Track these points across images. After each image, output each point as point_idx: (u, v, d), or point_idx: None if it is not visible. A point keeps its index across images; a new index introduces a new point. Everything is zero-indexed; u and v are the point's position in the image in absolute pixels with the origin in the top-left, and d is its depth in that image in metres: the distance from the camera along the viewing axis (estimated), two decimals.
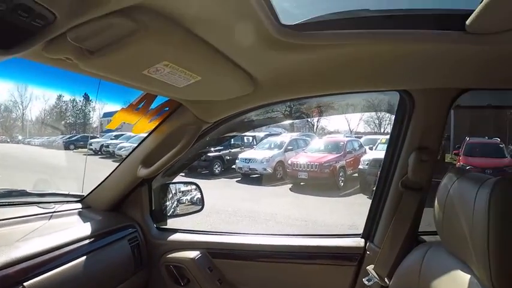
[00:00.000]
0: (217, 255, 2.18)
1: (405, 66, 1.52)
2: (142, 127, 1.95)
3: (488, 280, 1.12)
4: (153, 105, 1.86)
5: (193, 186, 2.46)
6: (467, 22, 1.18)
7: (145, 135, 2.10)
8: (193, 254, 2.14)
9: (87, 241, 1.80)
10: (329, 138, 15.68)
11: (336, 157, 12.45)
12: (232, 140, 14.77)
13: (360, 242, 2.01)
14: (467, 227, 1.19)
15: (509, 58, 1.38)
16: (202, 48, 1.20)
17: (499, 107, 9.91)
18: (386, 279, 1.77)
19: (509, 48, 1.30)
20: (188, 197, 2.44)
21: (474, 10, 1.13)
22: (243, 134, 15.41)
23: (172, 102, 1.90)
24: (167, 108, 1.96)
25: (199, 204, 2.43)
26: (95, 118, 26.32)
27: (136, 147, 2.15)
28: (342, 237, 2.11)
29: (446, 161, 13.76)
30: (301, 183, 12.21)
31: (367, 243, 1.99)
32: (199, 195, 2.43)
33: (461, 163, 10.96)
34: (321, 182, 11.85)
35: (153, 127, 2.04)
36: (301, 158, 12.62)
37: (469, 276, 1.25)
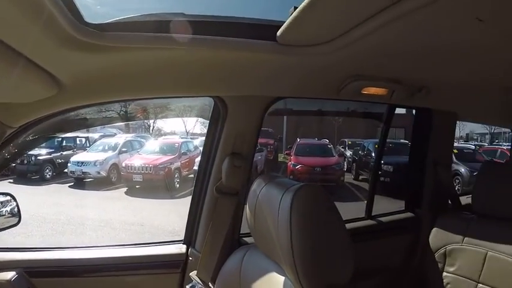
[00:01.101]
0: (38, 274, 1.91)
1: (219, 73, 1.53)
2: None
3: (297, 280, 1.14)
4: None
5: (8, 197, 2.06)
6: (278, 33, 1.24)
7: None
8: (8, 275, 1.84)
9: None
10: (164, 140, 15.41)
11: (170, 159, 12.27)
12: (64, 141, 13.68)
13: (182, 248, 1.96)
14: (275, 230, 1.20)
15: (318, 70, 1.51)
16: None
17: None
18: (210, 284, 1.77)
19: (317, 61, 1.39)
20: (2, 210, 2.06)
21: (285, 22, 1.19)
22: (75, 135, 14.43)
23: None
24: None
25: (15, 216, 2.04)
26: None
27: None
28: (165, 244, 2.04)
29: (279, 160, 14.67)
30: (137, 186, 11.81)
31: (189, 249, 1.94)
32: (15, 207, 2.06)
33: (293, 162, 11.72)
34: (157, 184, 11.64)
35: None
36: (136, 160, 12.20)
37: (283, 278, 1.25)
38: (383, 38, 1.20)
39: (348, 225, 2.20)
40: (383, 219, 2.31)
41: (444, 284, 2.07)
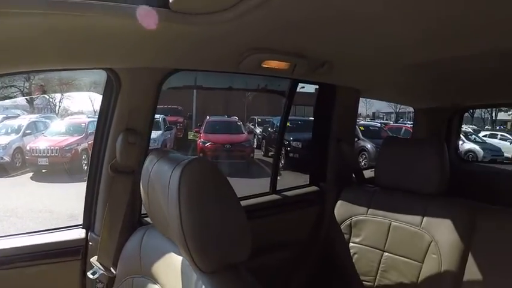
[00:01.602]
0: None
1: (108, 42, 1.39)
2: None
3: (191, 261, 1.09)
4: None
5: None
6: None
7: None
8: None
9: None
10: (70, 120, 14.53)
11: (77, 139, 11.51)
12: None
13: (81, 233, 1.84)
14: (166, 208, 1.14)
15: (215, 40, 1.42)
16: None
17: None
18: (112, 269, 1.67)
19: (214, 31, 1.31)
20: None
21: None
22: None
23: None
24: None
25: None
26: None
27: None
28: (63, 230, 1.89)
29: (189, 138, 14.51)
30: (43, 170, 10.97)
31: (89, 233, 1.84)
32: None
33: (202, 140, 11.66)
34: (64, 167, 10.87)
35: None
36: (41, 143, 11.29)
37: (181, 258, 1.20)
38: (280, 7, 1.16)
39: (253, 201, 2.21)
40: (288, 193, 2.34)
41: (351, 254, 2.16)
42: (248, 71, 1.85)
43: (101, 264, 1.70)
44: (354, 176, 2.53)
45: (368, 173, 2.59)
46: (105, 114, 1.78)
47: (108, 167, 1.73)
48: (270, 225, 2.16)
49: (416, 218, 2.01)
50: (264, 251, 2.10)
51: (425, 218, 1.99)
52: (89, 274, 1.70)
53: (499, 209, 1.96)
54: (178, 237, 1.09)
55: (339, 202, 2.27)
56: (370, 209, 2.15)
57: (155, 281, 1.28)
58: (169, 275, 1.22)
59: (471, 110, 18.33)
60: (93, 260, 1.72)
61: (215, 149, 11.24)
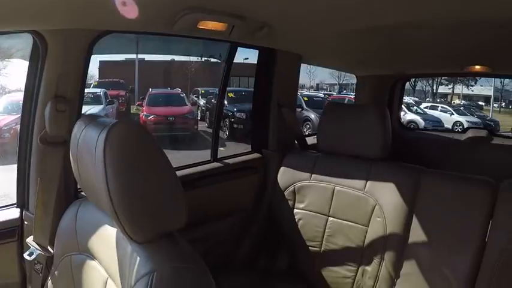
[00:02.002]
0: None
1: (32, 1, 1.27)
2: None
3: (123, 231, 1.02)
4: None
5: None
6: None
7: None
8: None
9: None
10: (8, 98, 13.73)
11: (16, 118, 10.90)
12: None
13: (15, 212, 1.72)
14: (95, 176, 1.06)
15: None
16: None
17: None
18: (49, 248, 1.55)
19: None
20: None
21: None
22: None
23: None
24: None
25: None
26: None
27: None
28: None
29: (132, 112, 14.12)
30: None
31: (23, 212, 1.71)
32: None
33: (145, 113, 11.41)
34: (3, 148, 10.13)
35: None
36: None
37: (115, 229, 1.14)
38: None
39: (193, 169, 2.13)
40: (230, 161, 2.28)
41: (296, 220, 2.14)
42: (183, 33, 1.76)
43: (37, 243, 1.59)
44: (296, 142, 2.50)
45: (311, 140, 2.58)
46: (32, 81, 1.65)
47: (38, 138, 1.61)
48: (213, 195, 2.11)
49: (360, 182, 2.02)
50: (208, 220, 2.06)
51: (368, 182, 2.00)
52: (26, 255, 1.59)
53: (441, 172, 1.99)
54: (108, 207, 1.03)
55: (282, 168, 2.24)
56: (313, 175, 2.14)
57: (92, 257, 1.22)
58: (106, 249, 1.16)
59: (413, 82, 18.96)
60: (29, 240, 1.61)
61: (158, 121, 11.00)
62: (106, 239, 1.16)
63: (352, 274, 2.02)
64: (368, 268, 1.98)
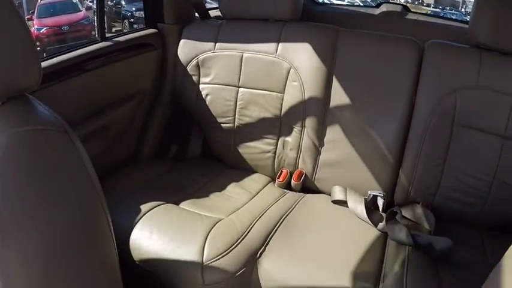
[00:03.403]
0: None
1: None
2: None
3: None
4: None
5: None
6: None
7: None
8: None
9: None
10: None
11: None
12: None
13: None
14: None
15: None
16: None
17: None
18: None
19: None
20: None
21: None
22: None
23: None
24: None
25: None
26: None
27: None
28: None
29: None
30: None
31: None
32: None
33: (37, 26, 10.23)
34: None
35: None
36: None
37: None
38: None
39: (81, 51, 1.74)
40: (121, 39, 1.90)
41: (204, 96, 1.90)
42: None
43: None
44: (196, 13, 2.18)
45: (214, 13, 2.27)
46: None
47: None
48: (106, 78, 1.78)
49: (271, 45, 1.80)
50: (104, 110, 1.77)
51: (280, 44, 1.78)
52: None
53: (361, 31, 1.83)
54: None
55: (182, 41, 1.94)
56: (217, 43, 1.87)
57: None
58: None
59: None
60: None
61: (52, 33, 10.00)
62: None
63: (272, 147, 1.86)
64: (288, 139, 1.83)
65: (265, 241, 1.45)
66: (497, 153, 1.58)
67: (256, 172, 1.92)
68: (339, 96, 1.73)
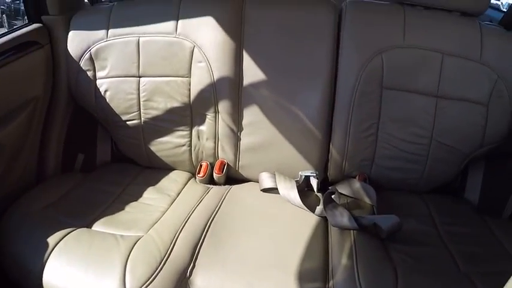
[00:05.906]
0: None
1: None
2: None
3: None
4: None
5: None
6: None
7: None
8: None
9: None
10: None
11: None
12: None
13: None
14: None
15: None
16: None
17: None
18: None
19: None
20: None
21: None
22: None
23: None
24: None
25: None
26: None
27: None
28: None
29: None
30: None
31: None
32: None
33: None
34: None
35: None
36: None
37: None
38: None
39: None
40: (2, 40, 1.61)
41: (103, 92, 1.67)
42: None
43: None
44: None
45: None
46: None
47: None
48: None
49: (169, 25, 1.60)
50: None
51: (180, 22, 1.59)
52: None
53: None
54: None
55: (71, 33, 1.68)
56: (110, 30, 1.64)
57: None
58: None
59: None
60: None
61: None
62: None
63: (186, 140, 1.68)
64: (203, 128, 1.65)
65: (193, 256, 1.26)
66: (432, 113, 1.51)
67: (175, 169, 1.73)
68: (251, 72, 1.57)
